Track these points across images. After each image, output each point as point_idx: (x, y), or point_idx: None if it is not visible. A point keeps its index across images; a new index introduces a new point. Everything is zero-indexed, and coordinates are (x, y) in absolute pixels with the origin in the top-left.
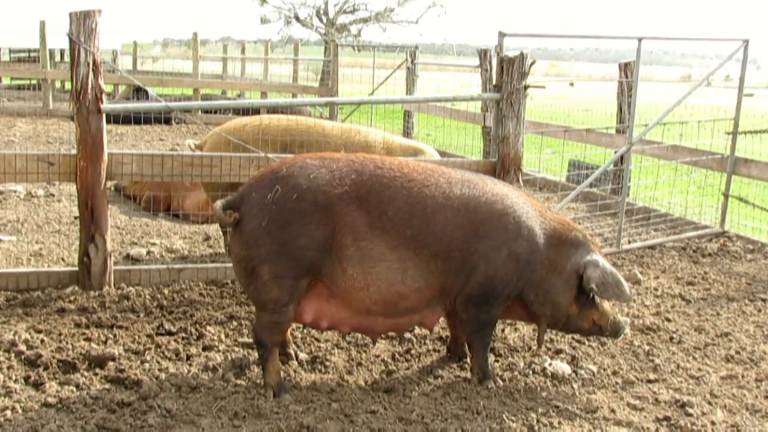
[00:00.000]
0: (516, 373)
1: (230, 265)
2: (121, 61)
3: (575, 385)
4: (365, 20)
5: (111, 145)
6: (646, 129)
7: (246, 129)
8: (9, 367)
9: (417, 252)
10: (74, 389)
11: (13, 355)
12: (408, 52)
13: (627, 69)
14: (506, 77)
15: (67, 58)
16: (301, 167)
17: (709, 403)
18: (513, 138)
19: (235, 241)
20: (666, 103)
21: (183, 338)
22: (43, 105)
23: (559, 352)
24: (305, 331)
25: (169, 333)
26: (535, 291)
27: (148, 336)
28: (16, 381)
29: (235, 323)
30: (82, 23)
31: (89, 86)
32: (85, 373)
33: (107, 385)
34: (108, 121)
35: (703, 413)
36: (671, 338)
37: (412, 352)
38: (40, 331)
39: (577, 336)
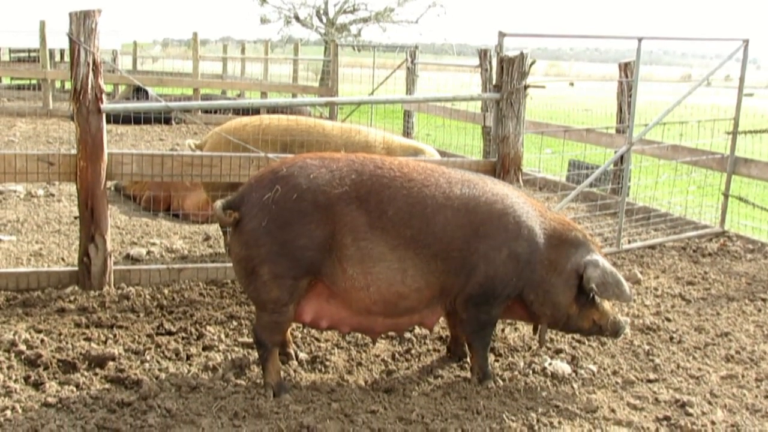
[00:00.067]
0: (516, 373)
1: (230, 265)
2: (121, 61)
3: (575, 385)
4: (365, 20)
5: (111, 145)
6: (646, 129)
7: (246, 129)
8: (9, 367)
9: (417, 252)
10: (74, 389)
11: (13, 355)
12: (408, 52)
13: (627, 69)
14: (506, 77)
15: (67, 58)
16: (301, 167)
17: (709, 403)
18: (513, 138)
19: (235, 241)
20: (666, 103)
21: (183, 338)
22: (43, 105)
23: (559, 352)
24: (305, 331)
25: (169, 333)
26: (535, 291)
27: (148, 336)
28: (16, 381)
29: (235, 323)
30: (82, 23)
31: (89, 86)
32: (85, 373)
33: (107, 385)
34: (108, 121)
35: (703, 413)
36: (671, 338)
37: (412, 352)
38: (40, 331)
39: (577, 336)
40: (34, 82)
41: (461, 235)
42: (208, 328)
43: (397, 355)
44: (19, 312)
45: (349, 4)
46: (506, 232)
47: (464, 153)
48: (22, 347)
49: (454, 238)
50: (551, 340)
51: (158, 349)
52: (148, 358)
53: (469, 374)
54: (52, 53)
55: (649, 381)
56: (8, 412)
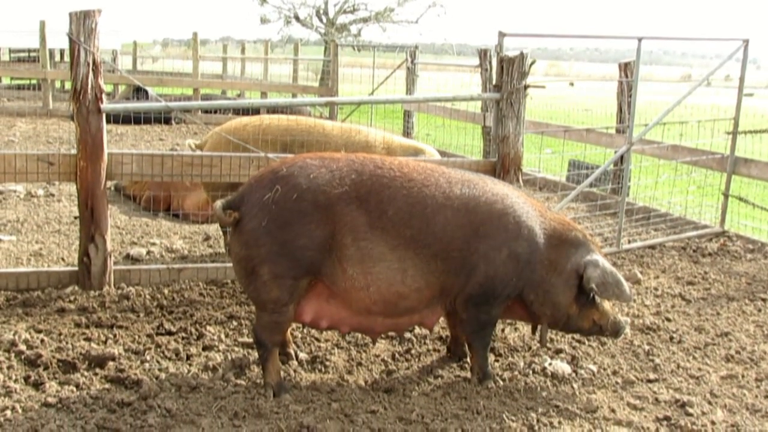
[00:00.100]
0: (516, 373)
1: (230, 265)
2: (121, 61)
3: (575, 385)
4: (365, 20)
5: (111, 145)
6: (646, 129)
7: (246, 129)
8: (9, 367)
9: (417, 252)
10: (74, 389)
11: (13, 355)
12: (408, 52)
13: (627, 69)
14: (506, 77)
15: (67, 58)
16: (301, 167)
17: (709, 403)
18: (513, 138)
19: (235, 241)
20: (666, 103)
21: (183, 338)
22: (43, 105)
23: (559, 352)
24: (305, 331)
25: (169, 333)
26: (535, 291)
27: (148, 336)
28: (16, 381)
29: (235, 323)
30: (82, 23)
31: (89, 86)
32: (85, 373)
33: (107, 385)
34: (108, 121)
35: (703, 413)
36: (671, 338)
37: (412, 352)
38: (40, 331)
39: (577, 336)
40: (34, 82)
41: (461, 235)
42: (208, 328)
43: (397, 355)
44: (19, 312)
45: (349, 4)
46: (506, 232)
47: (464, 153)
48: (22, 347)
49: (454, 238)
50: (551, 340)
51: (158, 349)
52: (148, 358)
53: (469, 374)
54: (52, 53)
55: (649, 381)
56: (8, 412)
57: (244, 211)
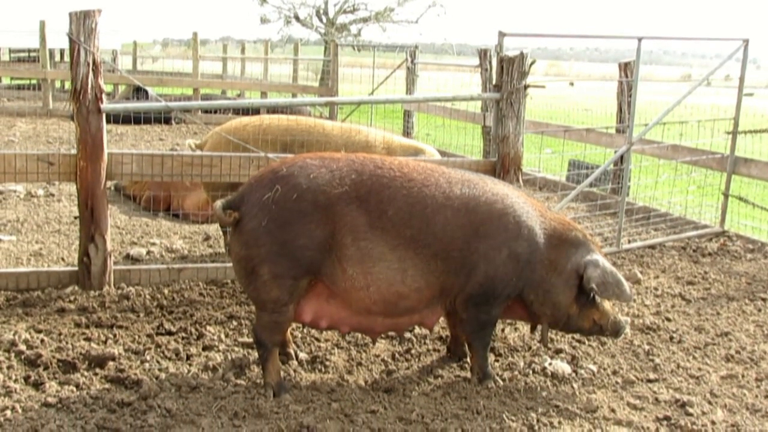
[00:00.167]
0: (516, 372)
1: (230, 265)
2: (121, 60)
3: (575, 385)
4: (365, 20)
5: (111, 145)
6: (646, 129)
7: (247, 129)
8: (9, 367)
9: (417, 252)
10: (74, 389)
11: (13, 355)
12: (408, 51)
13: (627, 69)
14: (506, 77)
15: (67, 58)
16: (301, 167)
17: (709, 403)
18: (513, 138)
19: (235, 241)
20: (666, 103)
21: (183, 338)
22: (43, 105)
23: (559, 351)
24: (305, 331)
25: (169, 333)
26: (535, 291)
27: (148, 336)
28: (16, 381)
29: (235, 323)
30: (82, 23)
31: (89, 86)
32: (85, 373)
33: (107, 385)
34: (108, 121)
35: (703, 413)
36: (671, 338)
37: (412, 352)
38: (40, 331)
39: (577, 336)
40: (34, 82)
41: (461, 234)
42: (208, 328)
43: (397, 355)
44: (19, 312)
45: (349, 4)
46: (506, 232)
47: (464, 153)
48: (22, 347)
49: (454, 238)
50: (551, 340)
51: (158, 349)
52: (148, 358)
53: (469, 374)
54: (52, 53)
55: (649, 381)
56: (8, 412)
57: (244, 211)
